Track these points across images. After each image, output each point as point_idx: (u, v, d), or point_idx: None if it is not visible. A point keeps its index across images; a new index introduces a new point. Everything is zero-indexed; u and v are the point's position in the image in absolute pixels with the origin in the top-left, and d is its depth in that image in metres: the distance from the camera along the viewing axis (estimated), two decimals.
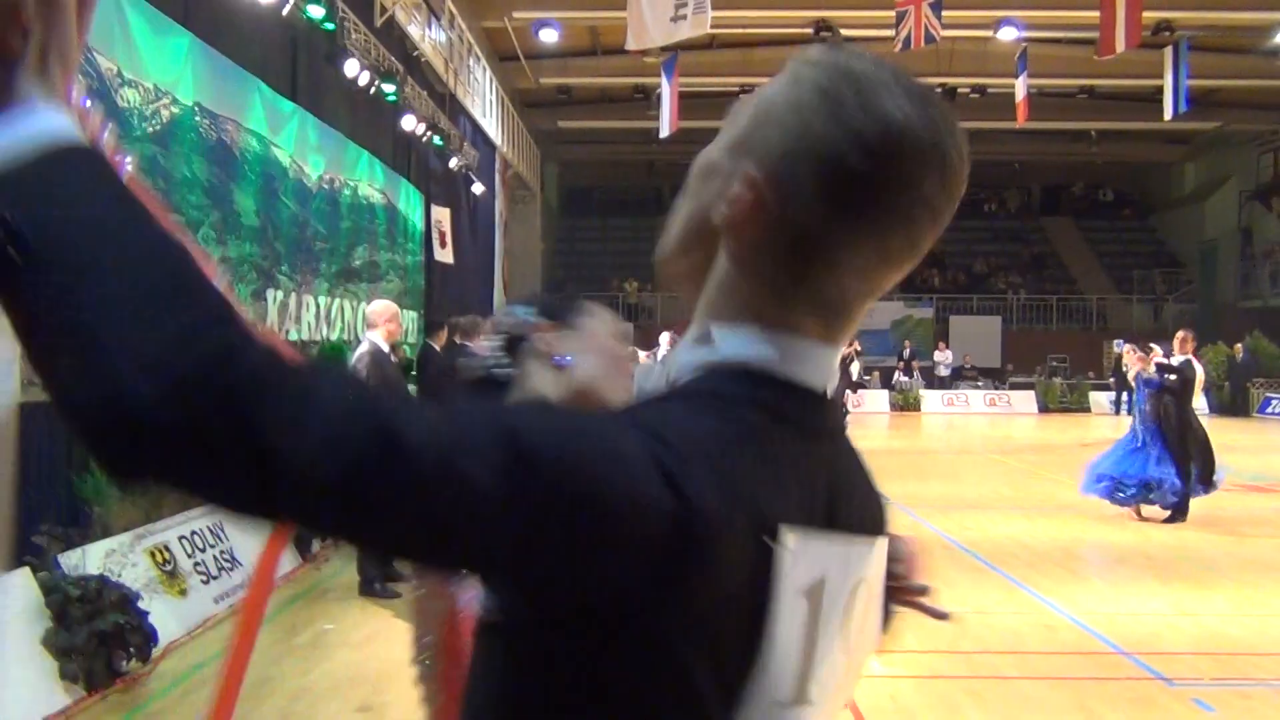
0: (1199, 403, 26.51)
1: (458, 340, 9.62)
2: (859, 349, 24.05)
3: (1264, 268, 31.85)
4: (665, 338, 21.89)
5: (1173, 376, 10.43)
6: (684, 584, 0.76)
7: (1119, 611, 6.93)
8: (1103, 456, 10.81)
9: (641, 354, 23.89)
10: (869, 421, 21.76)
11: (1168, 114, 20.85)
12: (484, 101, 21.76)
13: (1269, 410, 26.27)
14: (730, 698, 0.82)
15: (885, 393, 26.60)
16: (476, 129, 20.92)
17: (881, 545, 0.97)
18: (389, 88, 12.90)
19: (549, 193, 34.62)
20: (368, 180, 13.79)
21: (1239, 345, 27.16)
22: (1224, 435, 21.25)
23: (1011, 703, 5.16)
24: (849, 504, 0.94)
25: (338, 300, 12.09)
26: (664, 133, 20.65)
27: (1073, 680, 5.50)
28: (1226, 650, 6.03)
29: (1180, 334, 11.06)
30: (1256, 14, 21.25)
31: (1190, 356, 10.77)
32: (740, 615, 0.81)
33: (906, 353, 28.67)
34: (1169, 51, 20.68)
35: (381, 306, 7.57)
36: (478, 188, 20.72)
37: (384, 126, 14.29)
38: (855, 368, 22.45)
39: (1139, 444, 10.37)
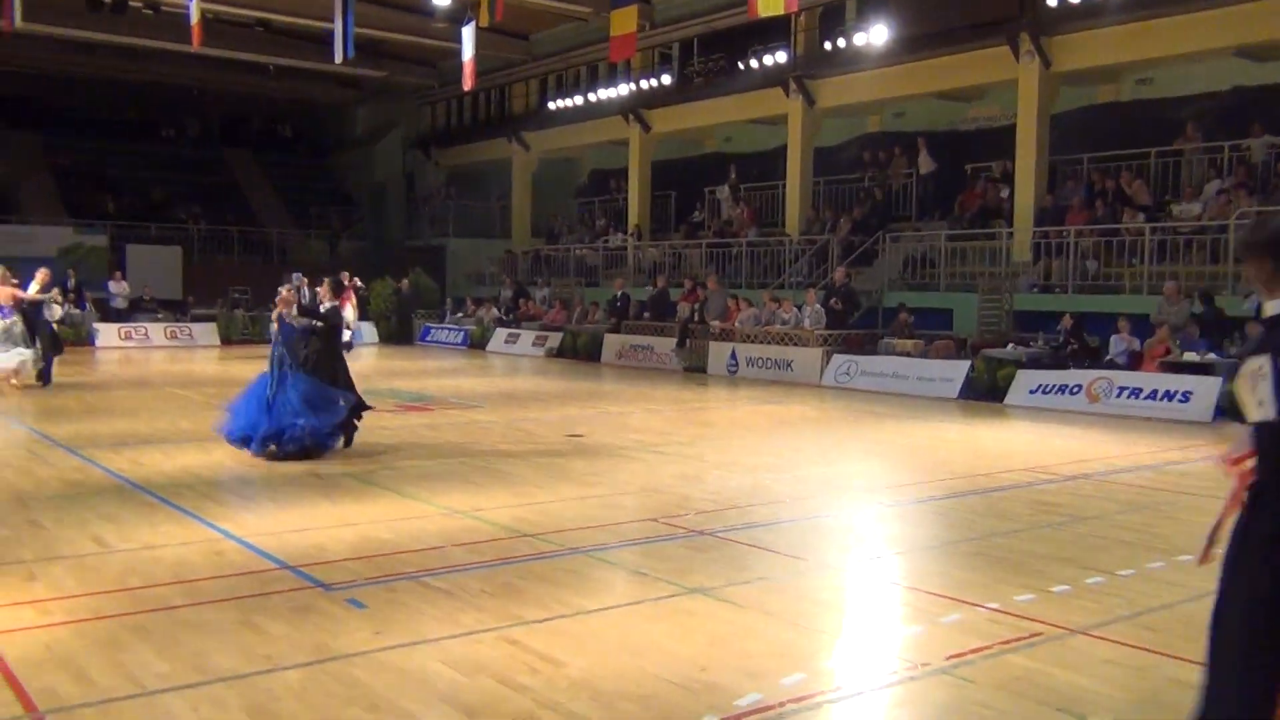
0: (370, 335, 28.47)
1: None
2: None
3: (424, 210, 35.39)
4: None
5: (319, 324, 10.89)
6: None
7: (286, 530, 7.28)
8: (240, 400, 10.62)
9: None
10: None
11: (337, 57, 21.95)
12: None
13: (429, 338, 29.42)
14: None
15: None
16: None
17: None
18: None
19: None
20: None
21: (405, 280, 29.91)
22: (391, 362, 23.42)
23: (176, 629, 5.15)
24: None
25: None
26: None
27: (239, 599, 5.65)
28: (380, 553, 6.69)
29: (329, 281, 11.67)
30: None
31: (337, 303, 11.52)
32: None
33: (71, 282, 26.35)
34: None
35: None
36: None
37: None
38: (57, 310, 19.72)
39: (272, 389, 10.30)
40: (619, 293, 24.82)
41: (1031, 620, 5.44)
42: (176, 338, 27.58)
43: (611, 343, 23.72)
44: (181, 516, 7.68)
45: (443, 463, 10.25)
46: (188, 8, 21.87)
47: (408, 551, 6.75)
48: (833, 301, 19.88)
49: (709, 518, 7.90)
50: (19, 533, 7.14)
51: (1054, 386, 15.77)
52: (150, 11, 26.34)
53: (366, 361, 22.70)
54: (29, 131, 34.11)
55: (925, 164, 22.49)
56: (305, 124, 40.36)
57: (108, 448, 10.74)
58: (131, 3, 25.91)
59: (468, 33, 22.06)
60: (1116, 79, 20.66)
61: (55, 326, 17.36)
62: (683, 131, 28.09)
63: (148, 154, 35.48)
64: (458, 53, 23.49)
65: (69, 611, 5.44)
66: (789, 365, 19.53)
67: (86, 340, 25.81)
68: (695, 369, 21.17)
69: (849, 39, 22.48)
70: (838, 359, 18.85)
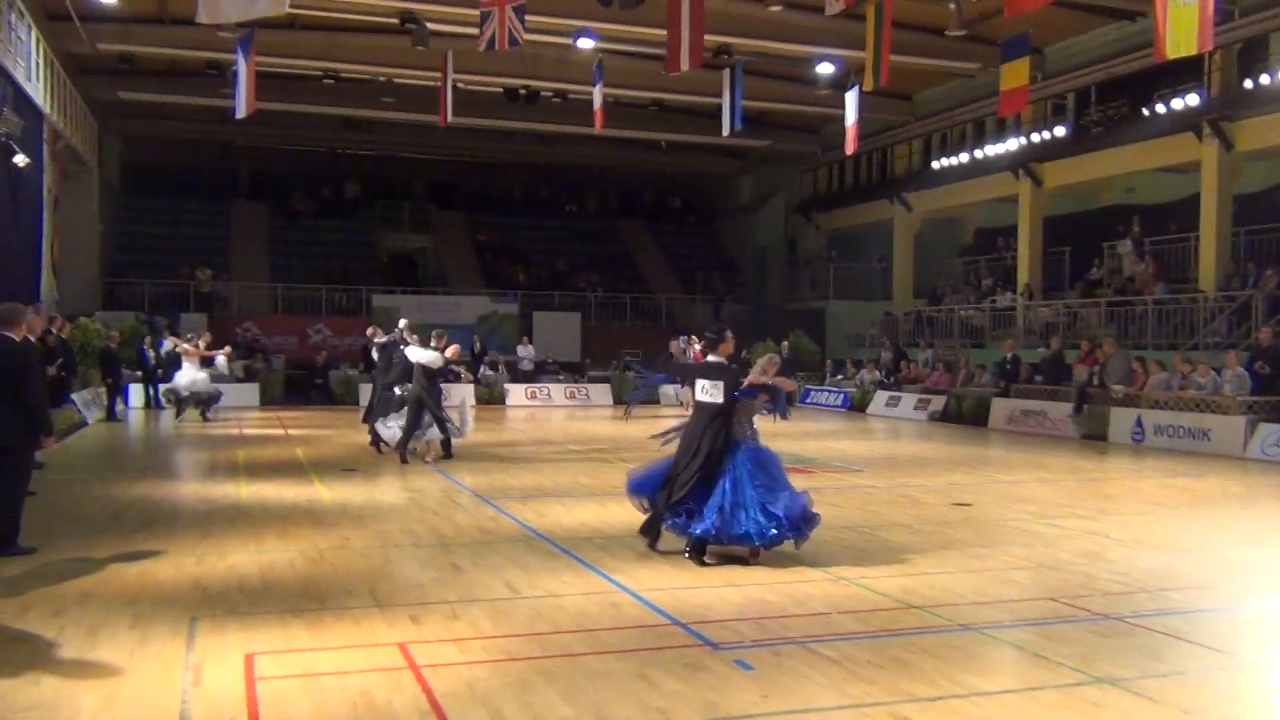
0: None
1: None
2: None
3: (805, 273, 35.79)
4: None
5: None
6: None
7: (676, 586, 7.53)
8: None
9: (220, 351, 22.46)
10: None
11: (725, 130, 22.84)
12: (28, 63, 19.48)
13: (808, 400, 29.54)
14: None
15: (470, 386, 26.93)
16: (19, 94, 18.70)
17: None
18: None
19: (108, 169, 31.63)
20: None
21: (785, 342, 30.30)
22: (769, 424, 23.65)
23: (578, 676, 5.45)
24: None
25: None
26: (240, 113, 19.56)
27: (634, 652, 5.90)
28: (765, 615, 6.74)
29: (706, 332, 9.90)
30: (802, 46, 23.81)
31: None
32: None
33: (476, 347, 29.06)
34: (727, 73, 22.66)
35: None
36: (20, 159, 18.53)
37: None
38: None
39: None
40: (1008, 355, 23.70)
41: None
42: (575, 397, 29.59)
43: (1000, 407, 22.65)
44: (581, 568, 8.16)
45: (826, 528, 10.17)
46: (593, 94, 23.68)
47: (793, 616, 6.75)
48: (1258, 365, 17.84)
49: (1115, 600, 7.27)
50: (443, 574, 7.90)
51: None
52: (558, 100, 28.86)
53: None
54: (456, 212, 38.36)
55: None
56: (693, 194, 42.30)
57: (516, 499, 11.67)
58: (543, 93, 28.51)
59: (851, 98, 22.21)
60: None
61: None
62: (1078, 184, 26.54)
63: (553, 228, 38.74)
64: (840, 118, 23.72)
65: (485, 651, 5.93)
66: (1205, 435, 17.70)
67: (499, 400, 28.33)
68: (1094, 436, 19.71)
69: (1274, 74, 20.34)
70: (1266, 429, 16.84)
